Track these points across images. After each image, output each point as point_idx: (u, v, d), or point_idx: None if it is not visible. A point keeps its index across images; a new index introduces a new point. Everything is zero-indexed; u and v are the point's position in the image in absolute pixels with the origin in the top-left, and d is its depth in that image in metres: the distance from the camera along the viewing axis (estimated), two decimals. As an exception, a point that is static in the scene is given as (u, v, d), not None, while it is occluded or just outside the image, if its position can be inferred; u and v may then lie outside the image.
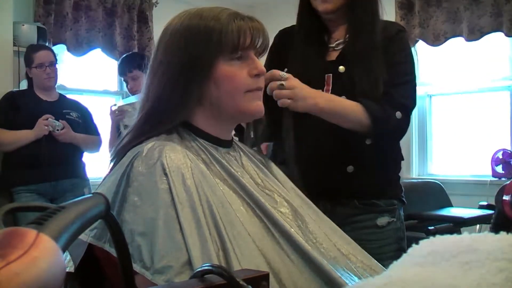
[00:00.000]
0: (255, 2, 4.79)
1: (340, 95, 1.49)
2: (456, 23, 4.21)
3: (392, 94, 1.49)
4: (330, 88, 1.53)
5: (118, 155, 1.04)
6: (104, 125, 3.45)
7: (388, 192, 1.59)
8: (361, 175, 1.53)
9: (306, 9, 1.61)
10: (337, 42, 1.59)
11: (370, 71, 1.50)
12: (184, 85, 1.03)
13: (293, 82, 1.38)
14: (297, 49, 1.61)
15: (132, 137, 1.05)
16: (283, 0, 4.85)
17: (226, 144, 1.10)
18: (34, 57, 3.15)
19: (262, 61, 1.10)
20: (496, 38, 4.09)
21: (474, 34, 4.08)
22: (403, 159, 1.66)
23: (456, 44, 4.28)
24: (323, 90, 1.53)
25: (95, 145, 3.36)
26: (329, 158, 1.53)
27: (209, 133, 1.07)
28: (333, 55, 1.59)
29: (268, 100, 1.30)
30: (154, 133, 1.03)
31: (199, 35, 1.03)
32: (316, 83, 1.51)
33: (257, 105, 1.09)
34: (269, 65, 1.52)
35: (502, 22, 3.97)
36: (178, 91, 1.03)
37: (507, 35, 3.96)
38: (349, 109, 1.45)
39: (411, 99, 1.54)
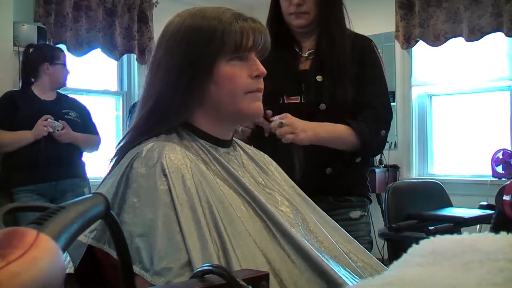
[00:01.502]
0: (254, 2, 4.79)
1: (318, 103, 1.62)
2: (456, 23, 4.21)
3: (377, 107, 1.63)
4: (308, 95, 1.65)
5: (117, 156, 1.03)
6: (103, 125, 3.46)
7: (359, 190, 1.74)
8: (337, 176, 1.66)
9: (275, 18, 1.70)
10: (309, 52, 1.68)
11: (346, 82, 1.62)
12: (186, 85, 1.03)
13: (291, 119, 1.50)
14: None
15: (131, 137, 1.04)
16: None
17: (226, 144, 1.10)
18: (60, 55, 3.21)
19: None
20: (496, 38, 4.09)
21: (474, 34, 4.08)
22: (369, 162, 1.85)
23: (456, 44, 4.28)
24: (301, 98, 1.65)
25: (95, 145, 3.36)
26: (311, 161, 1.65)
27: (209, 133, 1.07)
28: (307, 64, 1.69)
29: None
30: (154, 133, 1.03)
31: (202, 35, 1.02)
32: (290, 90, 1.65)
33: (257, 106, 1.08)
34: None
35: (502, 22, 3.97)
36: (179, 91, 1.03)
37: (507, 35, 3.96)
38: (343, 134, 1.59)
39: (391, 111, 1.70)
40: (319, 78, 1.63)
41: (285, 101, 1.66)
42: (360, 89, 1.63)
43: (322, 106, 1.62)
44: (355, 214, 1.69)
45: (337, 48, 1.62)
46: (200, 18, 1.04)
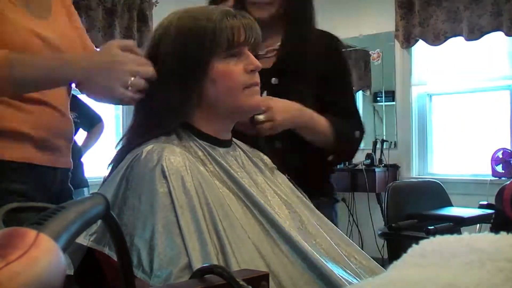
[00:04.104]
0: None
1: None
2: (456, 23, 4.21)
3: (344, 108, 1.53)
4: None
5: (117, 158, 1.03)
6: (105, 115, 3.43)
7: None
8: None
9: (238, 8, 1.50)
10: (267, 49, 1.48)
11: (305, 85, 1.46)
12: (182, 87, 1.03)
13: (273, 114, 1.27)
14: None
15: (131, 139, 1.04)
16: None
17: (226, 144, 1.10)
18: None
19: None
20: (496, 38, 4.09)
21: (474, 33, 4.08)
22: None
23: (456, 43, 4.28)
24: None
25: (101, 134, 3.35)
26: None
27: (208, 133, 1.06)
28: (264, 64, 1.39)
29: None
30: (153, 135, 1.02)
31: (193, 35, 1.02)
32: None
33: (256, 100, 1.09)
34: None
35: (502, 22, 3.97)
36: (176, 93, 1.03)
37: (507, 34, 3.96)
38: (322, 125, 1.42)
39: (359, 114, 1.60)
40: (274, 80, 1.45)
41: None
42: (324, 91, 1.48)
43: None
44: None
45: (302, 49, 1.48)
46: (189, 18, 1.04)
